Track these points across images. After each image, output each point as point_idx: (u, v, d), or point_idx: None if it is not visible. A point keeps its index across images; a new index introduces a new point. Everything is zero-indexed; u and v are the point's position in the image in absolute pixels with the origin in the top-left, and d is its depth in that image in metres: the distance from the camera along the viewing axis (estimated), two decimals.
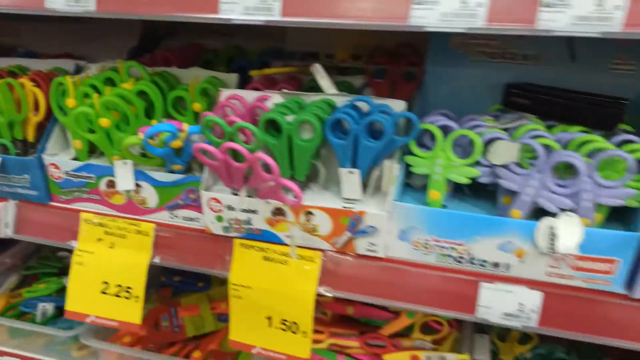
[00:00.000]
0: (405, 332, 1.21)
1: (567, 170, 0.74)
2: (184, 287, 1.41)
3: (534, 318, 0.82)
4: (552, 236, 0.74)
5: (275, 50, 1.18)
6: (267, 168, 0.79)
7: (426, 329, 1.23)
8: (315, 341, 1.21)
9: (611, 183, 0.72)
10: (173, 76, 1.00)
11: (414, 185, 0.92)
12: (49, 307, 1.32)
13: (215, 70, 1.01)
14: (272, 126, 0.82)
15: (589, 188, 0.73)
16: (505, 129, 0.80)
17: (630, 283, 0.77)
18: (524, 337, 1.21)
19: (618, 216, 0.80)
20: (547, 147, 0.74)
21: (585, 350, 1.17)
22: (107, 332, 1.28)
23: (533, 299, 0.81)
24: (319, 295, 1.26)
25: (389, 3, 0.64)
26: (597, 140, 0.74)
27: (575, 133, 0.77)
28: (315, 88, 0.91)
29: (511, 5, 0.61)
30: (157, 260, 0.99)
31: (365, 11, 0.66)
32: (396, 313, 1.23)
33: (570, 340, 1.18)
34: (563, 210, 0.75)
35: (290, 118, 0.79)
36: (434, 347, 1.16)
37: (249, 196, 0.86)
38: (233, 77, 0.97)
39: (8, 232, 1.06)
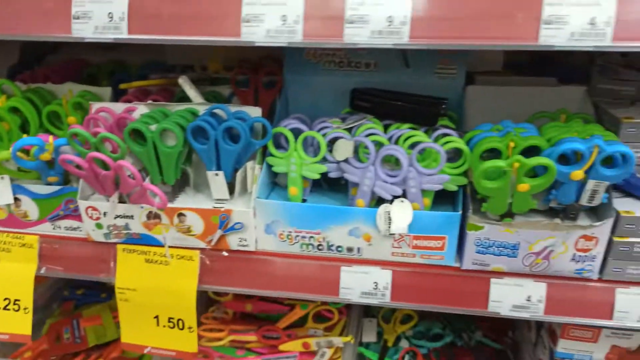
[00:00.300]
0: (301, 323, 1.31)
1: (397, 162, 0.86)
2: (86, 299, 1.43)
3: (387, 294, 0.93)
4: (388, 220, 0.85)
5: (155, 63, 1.24)
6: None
7: (319, 318, 1.33)
8: (216, 339, 1.28)
9: (429, 171, 0.84)
10: (48, 92, 1.04)
11: (280, 184, 1.01)
12: None
13: (96, 85, 1.06)
14: (139, 135, 0.88)
15: (412, 176, 0.84)
16: (349, 129, 0.91)
17: (459, 256, 0.90)
18: (406, 317, 1.33)
19: (450, 200, 0.92)
20: (378, 143, 0.85)
21: (458, 325, 1.31)
22: (10, 348, 1.29)
23: (385, 278, 0.92)
24: (217, 294, 1.33)
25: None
26: (417, 134, 0.86)
27: (404, 130, 0.88)
28: (186, 98, 0.99)
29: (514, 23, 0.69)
30: (43, 271, 1.02)
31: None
32: (291, 306, 1.32)
33: (446, 316, 1.33)
34: (396, 197, 0.87)
35: (153, 127, 0.86)
36: (326, 334, 1.26)
37: (123, 202, 0.92)
38: (107, 91, 1.03)
39: None
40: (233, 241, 0.94)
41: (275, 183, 1.02)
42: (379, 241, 0.90)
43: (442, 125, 0.91)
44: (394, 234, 0.87)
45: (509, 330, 1.30)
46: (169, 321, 1.01)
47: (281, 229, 0.92)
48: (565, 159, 0.78)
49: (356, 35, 0.70)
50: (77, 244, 1.00)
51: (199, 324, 1.32)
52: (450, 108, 1.00)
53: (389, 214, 0.85)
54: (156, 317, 1.01)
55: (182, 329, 1.01)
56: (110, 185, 0.87)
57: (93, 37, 0.77)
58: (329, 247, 0.92)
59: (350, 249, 0.92)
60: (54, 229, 1.01)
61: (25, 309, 1.03)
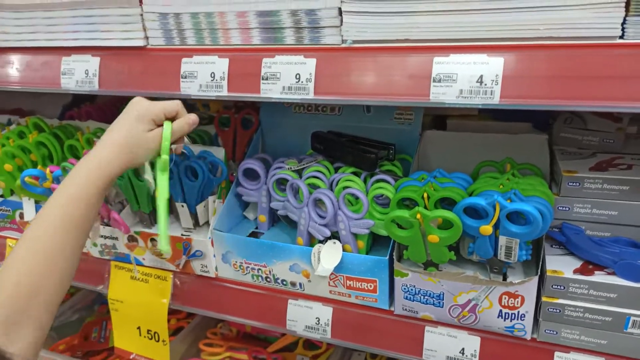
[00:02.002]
0: (292, 348, 1.37)
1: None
2: None
3: (328, 331, 0.96)
4: (318, 259, 0.90)
5: None
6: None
7: (310, 345, 1.38)
8: (214, 354, 1.39)
9: (356, 215, 0.87)
10: (75, 128, 1.24)
11: (249, 218, 1.10)
12: None
13: None
14: None
15: (341, 219, 0.88)
16: (298, 170, 0.97)
17: (390, 300, 0.91)
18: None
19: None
20: (312, 186, 0.91)
21: None
22: (54, 337, 1.52)
23: (326, 314, 0.96)
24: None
25: None
26: (352, 179, 0.89)
27: (344, 174, 0.92)
28: None
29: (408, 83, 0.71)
30: None
31: None
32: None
33: None
34: (329, 238, 0.91)
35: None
36: None
37: (108, 225, 1.07)
38: None
39: None
40: (197, 267, 1.05)
41: (244, 216, 1.11)
42: (317, 279, 0.94)
43: (385, 170, 0.94)
44: (325, 274, 0.90)
45: None
46: (148, 332, 1.14)
47: (234, 259, 1.00)
48: (478, 214, 0.77)
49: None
50: (83, 258, 1.18)
51: (205, 337, 1.45)
52: (407, 153, 1.01)
53: (318, 254, 0.90)
54: (138, 327, 1.14)
55: (157, 341, 1.13)
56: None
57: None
58: (275, 280, 0.98)
59: (293, 284, 0.97)
60: None
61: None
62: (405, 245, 0.84)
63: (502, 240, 0.76)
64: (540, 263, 0.79)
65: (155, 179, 0.83)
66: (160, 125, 0.81)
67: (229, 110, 1.19)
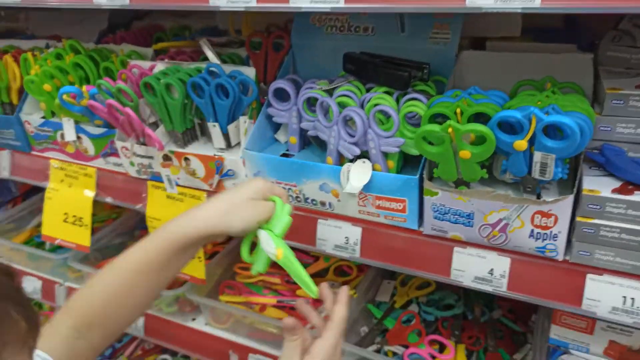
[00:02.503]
0: (323, 274, 1.40)
1: None
2: None
3: (357, 250, 0.97)
4: (347, 178, 0.89)
5: (210, 29, 1.39)
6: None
7: (340, 272, 1.41)
8: (249, 276, 1.44)
9: (386, 133, 0.85)
10: (110, 51, 1.25)
11: (279, 140, 1.10)
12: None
13: None
14: (152, 88, 1.04)
15: (371, 138, 0.87)
16: (329, 90, 0.95)
17: (420, 220, 0.90)
18: (424, 284, 1.34)
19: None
20: (343, 105, 0.89)
21: (475, 300, 1.28)
22: (98, 257, 1.61)
23: (355, 234, 0.97)
24: None
25: None
26: (383, 98, 0.87)
27: (374, 93, 0.90)
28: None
29: None
30: (98, 197, 1.26)
31: None
32: (316, 258, 1.42)
33: (465, 290, 1.31)
34: (359, 157, 0.90)
35: (162, 81, 1.01)
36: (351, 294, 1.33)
37: (144, 144, 1.09)
38: (149, 51, 1.20)
39: (5, 174, 1.40)
40: (228, 186, 1.07)
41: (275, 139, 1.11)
42: (346, 198, 0.94)
43: (418, 90, 0.91)
44: (354, 192, 0.90)
45: (533, 314, 1.24)
46: None
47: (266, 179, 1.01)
48: (513, 129, 0.74)
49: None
50: (121, 177, 1.22)
51: (240, 262, 1.50)
52: (442, 74, 0.97)
53: (347, 173, 0.89)
54: None
55: (197, 257, 1.17)
56: (129, 128, 1.05)
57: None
58: (305, 199, 0.99)
59: (323, 203, 0.98)
60: (105, 163, 1.23)
61: (86, 225, 1.29)
62: (435, 164, 0.82)
63: (537, 156, 0.73)
64: (577, 182, 0.76)
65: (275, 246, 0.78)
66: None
67: (261, 34, 1.16)
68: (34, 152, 1.36)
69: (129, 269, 0.78)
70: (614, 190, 0.75)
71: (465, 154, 0.76)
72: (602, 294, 0.78)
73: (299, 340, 0.75)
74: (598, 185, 0.76)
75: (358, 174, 0.88)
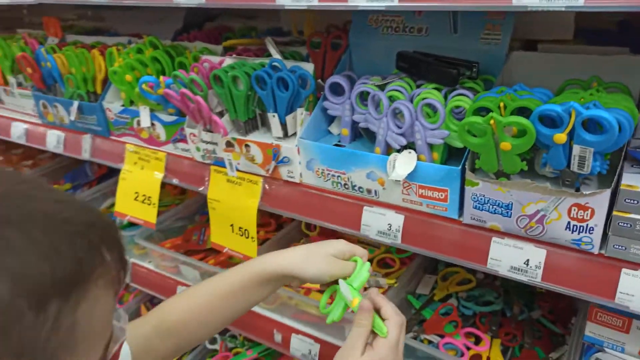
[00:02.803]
0: None
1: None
2: None
3: (399, 236, 1.03)
4: (393, 167, 0.96)
5: (275, 29, 1.50)
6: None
7: (383, 264, 1.47)
8: None
9: (432, 125, 0.91)
10: (184, 48, 1.38)
11: (333, 132, 1.18)
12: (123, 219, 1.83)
13: None
14: (220, 80, 1.15)
15: (418, 129, 0.93)
16: (381, 86, 1.02)
17: (460, 210, 0.95)
18: (465, 281, 1.37)
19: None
20: (393, 99, 0.96)
21: (516, 298, 1.30)
22: (161, 237, 1.75)
23: (397, 221, 1.03)
24: (307, 228, 1.56)
25: None
26: (431, 93, 0.93)
27: (424, 89, 0.96)
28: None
29: None
30: (166, 179, 1.39)
31: None
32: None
33: (506, 288, 1.33)
34: (405, 147, 0.96)
35: (229, 74, 1.12)
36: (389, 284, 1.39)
37: (209, 131, 1.21)
38: (219, 48, 1.32)
39: (86, 156, 1.56)
40: (284, 172, 1.16)
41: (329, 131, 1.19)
42: (391, 187, 1.00)
43: (466, 87, 0.96)
44: (399, 180, 0.97)
45: (573, 317, 1.25)
46: (239, 230, 1.28)
47: (317, 167, 1.10)
48: (554, 124, 0.78)
49: None
50: (187, 162, 1.34)
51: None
52: (492, 74, 1.02)
53: (393, 162, 0.96)
54: (231, 225, 1.29)
55: (247, 237, 1.27)
56: (198, 116, 1.16)
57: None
58: (353, 187, 1.06)
59: (369, 191, 1.05)
60: (174, 149, 1.36)
61: (154, 204, 1.42)
62: (477, 156, 0.87)
63: (576, 149, 0.77)
64: (616, 177, 0.79)
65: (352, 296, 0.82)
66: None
67: (321, 34, 1.25)
68: (112, 137, 1.51)
69: (214, 293, 0.89)
70: None
71: (506, 145, 0.80)
72: (636, 289, 0.80)
73: (366, 328, 0.77)
74: (637, 182, 0.79)
75: (403, 164, 0.95)
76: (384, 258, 1.47)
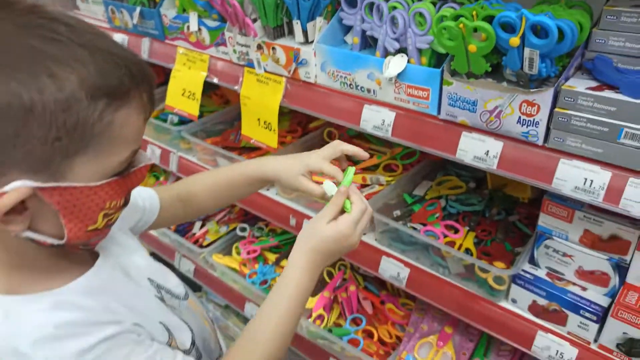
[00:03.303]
0: (374, 169, 1.68)
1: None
2: None
3: (390, 130, 1.23)
4: (387, 68, 1.15)
5: None
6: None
7: (388, 169, 1.68)
8: None
9: (420, 32, 1.08)
10: None
11: (347, 42, 1.36)
12: (174, 117, 2.11)
13: None
14: None
15: (410, 35, 1.10)
16: None
17: (439, 108, 1.13)
18: (456, 187, 1.56)
19: None
20: (394, 9, 1.13)
21: (497, 203, 1.48)
22: (203, 136, 2.02)
23: (389, 117, 1.22)
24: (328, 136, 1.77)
25: None
26: (423, 4, 1.09)
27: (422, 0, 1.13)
28: None
29: None
30: (208, 78, 1.63)
31: None
32: (371, 155, 1.70)
33: (492, 195, 1.51)
34: (400, 52, 1.14)
35: None
36: (387, 181, 1.61)
37: (244, 35, 1.42)
38: None
39: (145, 56, 1.82)
40: (302, 73, 1.36)
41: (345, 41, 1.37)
42: (386, 86, 1.19)
43: (457, 1, 1.11)
44: (392, 80, 1.16)
45: None
46: (264, 123, 1.52)
47: (329, 68, 1.30)
48: (513, 29, 0.94)
49: None
50: (225, 63, 1.57)
51: None
52: None
53: (387, 63, 1.14)
54: (258, 119, 1.53)
55: (270, 130, 1.51)
56: (234, 19, 1.37)
57: None
58: (356, 86, 1.26)
59: (369, 90, 1.24)
60: (216, 52, 1.59)
61: (197, 99, 1.67)
62: (453, 58, 1.04)
63: (526, 52, 0.93)
64: (560, 80, 0.95)
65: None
66: None
67: None
68: (166, 41, 1.76)
69: (218, 181, 1.17)
70: (588, 88, 0.93)
71: (472, 47, 0.97)
72: (569, 176, 0.98)
73: (337, 206, 0.94)
74: (579, 84, 0.94)
75: (396, 65, 1.13)
76: (389, 164, 1.67)
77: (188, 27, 1.61)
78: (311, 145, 1.83)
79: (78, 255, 0.82)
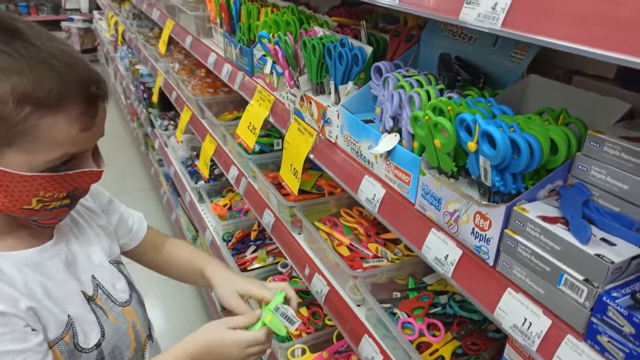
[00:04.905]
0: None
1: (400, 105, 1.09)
2: None
3: (377, 206, 1.19)
4: (378, 144, 1.12)
5: (392, 17, 1.70)
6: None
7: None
8: (349, 221, 1.75)
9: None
10: (314, 17, 1.69)
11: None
12: (279, 142, 2.28)
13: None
14: (305, 46, 1.42)
15: (404, 117, 1.07)
16: (410, 75, 1.17)
17: (416, 195, 1.07)
18: None
19: None
20: (402, 88, 1.11)
21: None
22: (274, 168, 2.15)
23: (380, 193, 1.19)
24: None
25: None
26: (421, 89, 1.05)
27: (429, 85, 1.08)
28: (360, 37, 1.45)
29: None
30: (268, 118, 1.75)
31: None
32: None
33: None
34: (393, 130, 1.11)
35: (309, 42, 1.39)
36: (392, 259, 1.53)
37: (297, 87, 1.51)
38: (334, 24, 1.59)
39: (236, 87, 2.03)
40: (327, 131, 1.40)
41: None
42: (380, 161, 1.17)
43: (464, 93, 1.05)
44: (382, 157, 1.13)
45: None
46: (293, 169, 1.57)
47: (345, 132, 1.31)
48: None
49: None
50: (282, 107, 1.68)
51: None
52: (502, 87, 1.08)
53: (380, 139, 1.12)
54: (290, 164, 1.59)
55: (295, 177, 1.56)
56: (285, 68, 1.47)
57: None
58: (360, 155, 1.25)
59: (368, 161, 1.22)
60: (280, 96, 1.70)
61: (255, 134, 1.81)
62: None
63: (481, 160, 0.84)
64: (520, 198, 0.83)
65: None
66: None
67: (417, 27, 1.42)
68: (253, 77, 1.94)
69: (183, 261, 1.31)
70: (541, 217, 0.80)
71: (437, 142, 0.91)
72: (511, 309, 0.84)
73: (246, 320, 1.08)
74: (537, 209, 0.82)
75: (386, 143, 1.10)
76: None
77: (264, 70, 1.76)
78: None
79: (37, 230, 0.97)
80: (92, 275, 1.05)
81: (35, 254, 0.95)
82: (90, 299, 1.02)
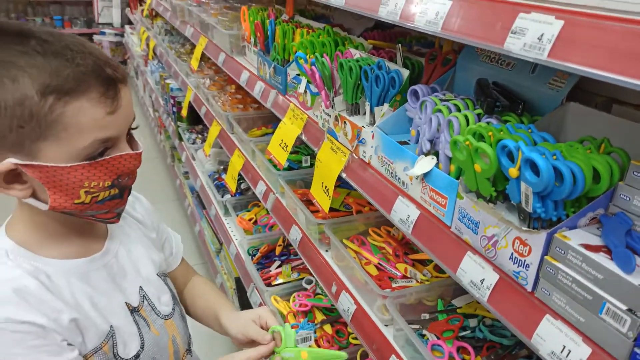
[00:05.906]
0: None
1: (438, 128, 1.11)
2: None
3: (411, 228, 1.21)
4: (415, 166, 1.14)
5: (427, 41, 1.72)
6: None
7: (439, 270, 1.59)
8: (376, 240, 1.76)
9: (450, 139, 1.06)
10: (351, 40, 1.73)
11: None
12: (307, 159, 2.32)
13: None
14: (342, 67, 1.46)
15: (442, 141, 1.08)
16: (447, 100, 1.19)
17: (452, 218, 1.08)
18: None
19: None
20: (439, 112, 1.13)
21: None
22: (302, 185, 2.18)
23: (414, 214, 1.20)
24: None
25: None
26: (465, 114, 1.07)
27: (466, 110, 1.10)
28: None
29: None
30: (300, 136, 1.79)
31: None
32: None
33: None
34: (430, 153, 1.13)
35: (345, 63, 1.42)
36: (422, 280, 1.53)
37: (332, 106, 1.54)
38: (369, 46, 1.62)
39: (268, 105, 2.07)
40: (361, 151, 1.42)
41: None
42: (415, 183, 1.18)
43: (503, 119, 1.06)
44: (418, 179, 1.14)
45: None
46: (325, 187, 1.60)
47: (379, 153, 1.33)
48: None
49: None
50: (314, 126, 1.71)
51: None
52: (540, 114, 1.09)
53: (417, 161, 1.14)
54: (322, 182, 1.62)
55: (327, 195, 1.58)
56: (322, 88, 1.51)
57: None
58: (395, 176, 1.27)
59: (403, 183, 1.24)
60: (313, 115, 1.74)
61: (287, 151, 1.84)
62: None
63: (522, 186, 0.85)
64: (561, 225, 0.84)
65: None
66: None
67: (452, 51, 1.44)
68: (286, 96, 1.98)
69: (201, 302, 1.31)
70: (584, 244, 0.80)
71: (477, 167, 0.93)
72: (549, 336, 0.84)
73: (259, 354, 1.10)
74: (577, 237, 0.82)
75: (422, 166, 1.12)
76: None
77: (298, 89, 1.80)
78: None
79: (89, 239, 1.01)
80: (140, 287, 1.07)
81: (83, 265, 0.98)
82: (134, 310, 1.04)
